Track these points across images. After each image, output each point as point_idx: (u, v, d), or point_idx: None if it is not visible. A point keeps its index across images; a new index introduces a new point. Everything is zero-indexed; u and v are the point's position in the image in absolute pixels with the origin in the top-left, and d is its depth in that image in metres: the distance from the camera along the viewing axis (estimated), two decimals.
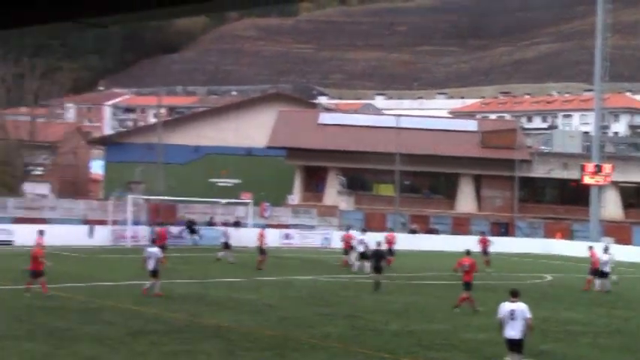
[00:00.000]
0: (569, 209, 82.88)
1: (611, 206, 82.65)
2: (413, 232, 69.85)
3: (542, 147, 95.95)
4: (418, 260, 44.55)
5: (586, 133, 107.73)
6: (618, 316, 28.66)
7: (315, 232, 67.23)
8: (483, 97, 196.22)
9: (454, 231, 73.33)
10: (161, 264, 30.32)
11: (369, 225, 70.13)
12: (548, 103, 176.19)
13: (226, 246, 46.78)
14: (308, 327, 24.26)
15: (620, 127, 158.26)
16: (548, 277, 45.55)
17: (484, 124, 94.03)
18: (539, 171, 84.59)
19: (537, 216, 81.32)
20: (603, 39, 75.50)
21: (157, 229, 47.97)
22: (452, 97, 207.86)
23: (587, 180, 74.19)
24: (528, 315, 17.89)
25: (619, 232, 74.56)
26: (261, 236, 43.56)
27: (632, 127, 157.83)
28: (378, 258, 35.31)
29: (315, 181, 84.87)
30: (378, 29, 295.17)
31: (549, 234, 75.55)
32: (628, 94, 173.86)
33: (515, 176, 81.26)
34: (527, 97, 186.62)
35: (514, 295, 18.15)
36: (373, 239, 39.99)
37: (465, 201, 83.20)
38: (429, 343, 22.40)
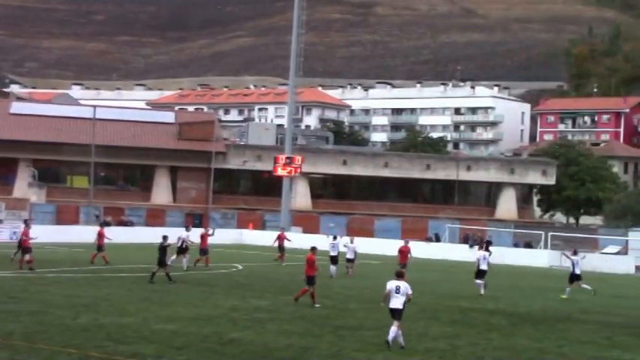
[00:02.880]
0: (262, 200, 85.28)
1: (300, 197, 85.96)
2: (107, 224, 68.83)
3: (238, 139, 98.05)
4: (110, 253, 44.00)
5: (280, 125, 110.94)
6: (304, 303, 29.89)
7: (3, 226, 64.26)
8: (182, 89, 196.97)
9: (149, 223, 73.17)
10: None
11: (62, 218, 68.55)
12: (245, 96, 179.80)
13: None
14: None
15: (311, 120, 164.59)
16: (239, 267, 46.64)
17: (181, 116, 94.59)
18: (234, 163, 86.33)
19: (231, 207, 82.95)
20: (298, 35, 78.06)
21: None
22: (150, 89, 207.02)
23: (280, 171, 76.49)
24: (409, 291, 21.27)
25: (307, 222, 77.69)
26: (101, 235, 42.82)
27: (322, 120, 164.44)
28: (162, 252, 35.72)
29: (4, 174, 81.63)
30: (75, 17, 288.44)
31: (242, 224, 77.11)
32: (319, 88, 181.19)
33: (211, 168, 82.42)
34: (225, 89, 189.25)
35: (399, 275, 21.43)
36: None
37: (161, 193, 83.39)
38: (120, 336, 22.28)
